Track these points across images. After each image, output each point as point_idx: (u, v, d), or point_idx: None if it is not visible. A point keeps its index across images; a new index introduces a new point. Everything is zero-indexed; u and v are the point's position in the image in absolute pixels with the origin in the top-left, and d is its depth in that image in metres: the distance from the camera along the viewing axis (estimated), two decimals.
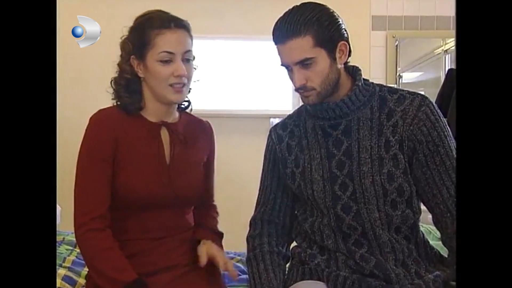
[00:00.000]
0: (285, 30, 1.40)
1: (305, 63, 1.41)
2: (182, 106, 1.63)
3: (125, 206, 1.47)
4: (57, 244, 1.86)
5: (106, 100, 3.24)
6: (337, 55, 1.43)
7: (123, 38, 1.53)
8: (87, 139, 1.46)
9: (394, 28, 3.48)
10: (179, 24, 1.48)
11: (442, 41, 3.67)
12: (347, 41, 1.45)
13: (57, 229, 1.98)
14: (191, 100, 1.65)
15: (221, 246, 1.61)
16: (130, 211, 1.48)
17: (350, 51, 1.47)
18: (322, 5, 1.45)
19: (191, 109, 1.66)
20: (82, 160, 1.45)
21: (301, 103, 1.58)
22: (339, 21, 1.44)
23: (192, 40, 1.52)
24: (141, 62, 1.48)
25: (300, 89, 1.45)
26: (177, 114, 1.60)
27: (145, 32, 1.46)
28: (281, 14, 1.43)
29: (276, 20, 1.44)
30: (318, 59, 1.41)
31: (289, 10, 1.43)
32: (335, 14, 1.45)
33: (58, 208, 2.01)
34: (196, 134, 1.59)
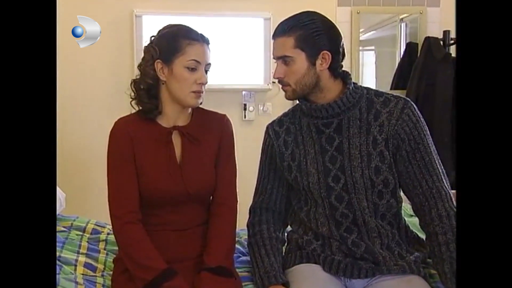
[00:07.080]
0: (278, 28, 1.60)
1: (285, 60, 1.59)
2: None
3: (147, 203, 1.61)
4: (67, 229, 1.94)
5: (105, 98, 3.29)
6: (318, 61, 1.58)
7: (147, 43, 1.65)
8: (109, 144, 1.61)
9: (358, 4, 3.59)
10: (206, 40, 1.64)
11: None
12: (332, 51, 1.58)
13: (63, 214, 2.07)
14: None
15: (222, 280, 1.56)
16: (151, 207, 1.61)
17: (339, 59, 1.61)
18: (322, 18, 1.60)
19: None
20: (108, 163, 1.61)
21: (272, 78, 1.73)
22: (330, 33, 1.58)
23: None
24: (166, 66, 1.60)
25: (278, 82, 1.64)
26: (189, 111, 1.70)
27: (177, 40, 1.59)
28: None
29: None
30: (296, 59, 1.58)
31: (293, 14, 1.60)
32: (330, 27, 1.59)
33: (63, 194, 2.07)
34: (206, 131, 1.70)
